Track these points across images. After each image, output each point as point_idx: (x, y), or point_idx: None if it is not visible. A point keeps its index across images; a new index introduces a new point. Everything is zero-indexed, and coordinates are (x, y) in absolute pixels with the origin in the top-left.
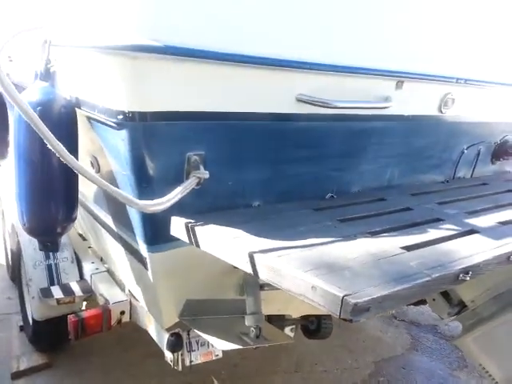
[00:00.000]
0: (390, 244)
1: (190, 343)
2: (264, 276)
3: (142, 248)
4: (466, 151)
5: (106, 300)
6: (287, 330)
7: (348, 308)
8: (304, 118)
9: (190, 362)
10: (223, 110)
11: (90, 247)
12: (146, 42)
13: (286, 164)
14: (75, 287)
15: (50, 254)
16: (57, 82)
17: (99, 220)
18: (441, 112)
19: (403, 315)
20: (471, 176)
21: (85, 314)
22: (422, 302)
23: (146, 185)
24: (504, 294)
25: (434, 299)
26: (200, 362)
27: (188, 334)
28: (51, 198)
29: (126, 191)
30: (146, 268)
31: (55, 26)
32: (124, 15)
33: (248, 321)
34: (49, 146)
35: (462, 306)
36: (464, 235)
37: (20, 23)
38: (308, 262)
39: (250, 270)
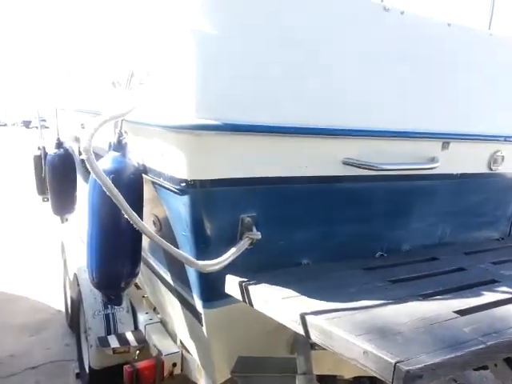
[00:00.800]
0: (443, 308)
1: None
2: (315, 338)
3: (198, 304)
4: None
5: (159, 351)
6: None
7: (401, 375)
8: (351, 180)
9: None
10: (274, 175)
11: (143, 297)
12: (207, 122)
13: (334, 224)
14: (130, 337)
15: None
16: (127, 151)
17: (157, 273)
18: (490, 169)
19: (464, 379)
20: None
21: (139, 365)
22: (483, 366)
23: (203, 245)
24: None
25: (495, 364)
26: None
27: None
28: (119, 255)
29: (185, 250)
30: (200, 323)
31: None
32: (188, 98)
33: (299, 381)
34: (122, 210)
35: None
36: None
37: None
38: (359, 325)
39: (301, 332)
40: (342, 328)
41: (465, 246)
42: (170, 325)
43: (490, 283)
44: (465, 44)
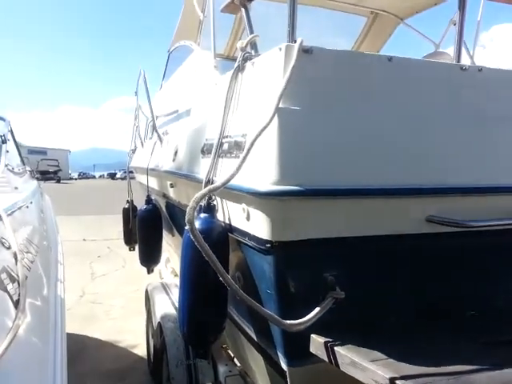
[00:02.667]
0: None
1: None
2: None
3: (282, 361)
4: None
5: None
6: None
7: None
8: (435, 237)
9: None
10: (355, 235)
11: (222, 347)
12: (290, 188)
13: (421, 282)
14: None
15: (190, 353)
16: (216, 213)
17: (239, 327)
18: None
19: None
20: None
21: None
22: None
23: (287, 303)
24: None
25: None
26: None
27: None
28: (209, 311)
29: (268, 307)
30: (284, 380)
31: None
32: (273, 166)
33: None
34: (215, 269)
35: None
36: None
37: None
38: None
39: None
40: None
41: None
42: (250, 378)
43: None
44: None
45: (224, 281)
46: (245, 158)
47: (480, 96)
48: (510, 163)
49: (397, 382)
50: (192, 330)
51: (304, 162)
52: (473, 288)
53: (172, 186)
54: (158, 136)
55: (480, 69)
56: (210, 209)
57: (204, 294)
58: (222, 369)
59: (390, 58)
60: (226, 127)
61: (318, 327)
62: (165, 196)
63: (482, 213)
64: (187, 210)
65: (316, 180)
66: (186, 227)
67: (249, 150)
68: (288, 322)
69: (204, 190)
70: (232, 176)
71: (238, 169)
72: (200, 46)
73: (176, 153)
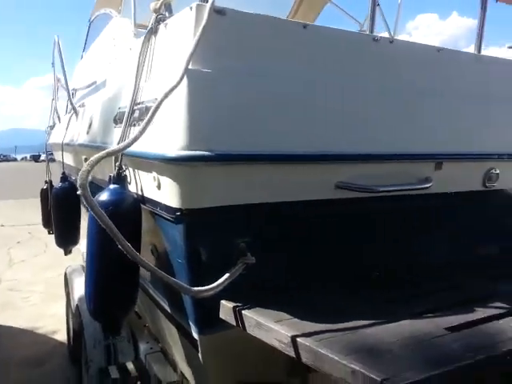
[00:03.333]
0: (434, 325)
1: None
2: (305, 360)
3: (194, 331)
4: None
5: (159, 380)
6: None
7: None
8: (345, 203)
9: None
10: (266, 201)
11: (145, 326)
12: (199, 153)
13: (329, 247)
14: (131, 367)
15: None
16: (127, 183)
17: (155, 301)
18: (485, 187)
19: None
20: None
21: None
22: None
23: (198, 271)
24: None
25: None
26: None
27: None
28: (114, 284)
29: (181, 277)
30: (196, 350)
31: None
32: (182, 131)
33: None
34: (112, 237)
35: None
36: None
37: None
38: (349, 345)
39: (292, 354)
40: (331, 349)
41: (465, 265)
42: (169, 353)
43: (486, 299)
44: (454, 67)
45: (124, 249)
46: (149, 121)
47: (390, 67)
48: (412, 132)
49: (298, 339)
50: (98, 305)
51: (214, 127)
52: (378, 251)
53: (86, 160)
54: (74, 109)
55: (391, 41)
56: (120, 179)
57: (109, 267)
58: (142, 347)
59: (305, 26)
60: (139, 93)
61: (229, 293)
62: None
63: (387, 179)
64: (79, 174)
65: (226, 145)
66: (79, 192)
67: (154, 112)
68: (195, 288)
69: (101, 153)
70: (134, 139)
71: (141, 132)
72: (121, 14)
73: (90, 125)
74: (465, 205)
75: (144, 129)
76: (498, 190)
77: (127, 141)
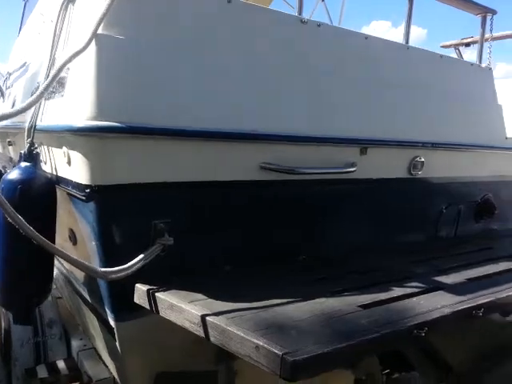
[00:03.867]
0: (348, 303)
1: None
2: (214, 339)
3: (110, 317)
4: (444, 211)
5: (90, 377)
6: None
7: (287, 366)
8: (269, 185)
9: None
10: (185, 180)
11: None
12: (111, 125)
13: (253, 229)
14: (61, 365)
15: (40, 331)
16: (39, 162)
17: (77, 291)
18: (411, 174)
19: None
20: (454, 235)
21: None
22: (411, 367)
23: (112, 253)
24: (488, 354)
25: (421, 364)
26: None
27: None
28: (23, 272)
29: (95, 260)
30: (114, 338)
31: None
32: (91, 101)
33: None
34: (15, 224)
35: (449, 369)
36: (426, 292)
37: None
38: (259, 323)
39: (201, 334)
40: (240, 326)
41: (387, 249)
42: (95, 346)
43: (401, 280)
44: (381, 55)
45: (25, 232)
46: (49, 85)
47: (317, 50)
48: (338, 117)
49: (207, 318)
50: (7, 294)
51: (127, 97)
52: (303, 234)
53: (10, 143)
54: (1, 92)
55: (319, 24)
56: (31, 157)
57: (16, 254)
58: (75, 344)
59: (230, 0)
60: (55, 65)
61: (145, 277)
62: (11, 160)
63: (312, 162)
64: None
65: (140, 118)
66: None
67: (54, 76)
68: (102, 269)
69: None
70: (30, 104)
71: (39, 96)
72: None
73: (13, 105)
74: (390, 191)
75: (42, 93)
76: (423, 178)
77: (23, 105)
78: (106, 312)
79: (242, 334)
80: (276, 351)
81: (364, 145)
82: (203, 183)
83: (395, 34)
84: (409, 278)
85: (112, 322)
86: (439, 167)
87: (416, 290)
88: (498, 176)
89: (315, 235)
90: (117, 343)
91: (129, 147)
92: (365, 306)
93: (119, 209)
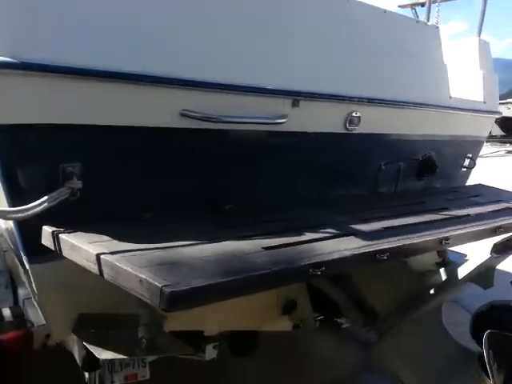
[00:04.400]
0: (253, 246)
1: (112, 364)
2: (107, 276)
3: (25, 260)
4: (383, 167)
5: (31, 323)
6: (209, 347)
7: (164, 297)
8: (191, 133)
9: (112, 383)
10: (97, 124)
11: None
12: (3, 59)
13: (175, 177)
14: (7, 313)
15: None
16: None
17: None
18: (347, 129)
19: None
20: (394, 192)
21: (4, 337)
22: (342, 314)
23: (18, 196)
24: (408, 299)
25: (348, 310)
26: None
27: None
28: None
29: (5, 204)
30: (30, 280)
31: None
32: None
33: (140, 332)
34: None
35: (375, 315)
36: (336, 237)
37: None
38: (153, 260)
39: (96, 271)
40: (130, 263)
41: (322, 203)
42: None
43: (316, 226)
44: (321, 7)
45: None
46: None
47: None
48: (269, 66)
49: (102, 256)
50: None
51: (25, 30)
52: (233, 184)
53: None
54: None
55: None
56: None
57: None
58: (21, 292)
59: None
60: None
61: (57, 220)
62: None
63: (239, 111)
64: None
65: (42, 53)
66: None
67: None
68: (1, 209)
69: None
70: None
71: None
72: None
73: None
74: (325, 145)
75: None
76: (360, 133)
77: None
78: (21, 254)
79: (129, 269)
80: (156, 284)
81: (296, 97)
82: (118, 127)
83: None
84: (325, 225)
85: (27, 265)
86: (377, 123)
87: (328, 235)
88: (440, 135)
89: (244, 186)
90: (33, 285)
91: (30, 85)
92: (269, 248)
93: (22, 150)
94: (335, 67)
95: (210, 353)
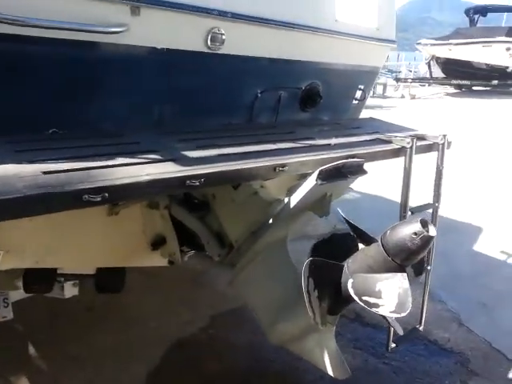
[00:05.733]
0: (35, 169)
1: None
2: None
3: None
4: (260, 95)
5: None
6: (68, 285)
7: None
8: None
9: None
10: None
11: None
12: None
13: None
14: None
15: None
16: None
17: None
18: (209, 49)
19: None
20: (275, 122)
21: None
22: (202, 247)
23: None
24: (259, 230)
25: (208, 242)
26: None
27: None
28: None
29: None
30: None
31: None
32: None
33: None
34: None
35: (231, 246)
36: (151, 163)
37: None
38: None
39: None
40: None
41: (177, 130)
42: None
43: (136, 153)
44: None
45: None
46: None
47: None
48: None
49: None
50: None
51: None
52: (53, 107)
53: None
54: None
55: None
56: None
57: None
58: None
59: None
60: None
61: None
62: None
63: (56, 15)
64: None
65: None
66: None
67: None
68: None
69: None
70: None
71: None
72: None
73: None
74: (182, 65)
75: None
76: (226, 54)
77: None
78: None
79: None
80: None
81: (133, 2)
82: None
83: None
84: (149, 152)
85: None
86: (246, 44)
87: (143, 160)
88: (326, 63)
89: (73, 108)
90: None
91: None
92: (49, 172)
93: None
94: None
95: (70, 291)
